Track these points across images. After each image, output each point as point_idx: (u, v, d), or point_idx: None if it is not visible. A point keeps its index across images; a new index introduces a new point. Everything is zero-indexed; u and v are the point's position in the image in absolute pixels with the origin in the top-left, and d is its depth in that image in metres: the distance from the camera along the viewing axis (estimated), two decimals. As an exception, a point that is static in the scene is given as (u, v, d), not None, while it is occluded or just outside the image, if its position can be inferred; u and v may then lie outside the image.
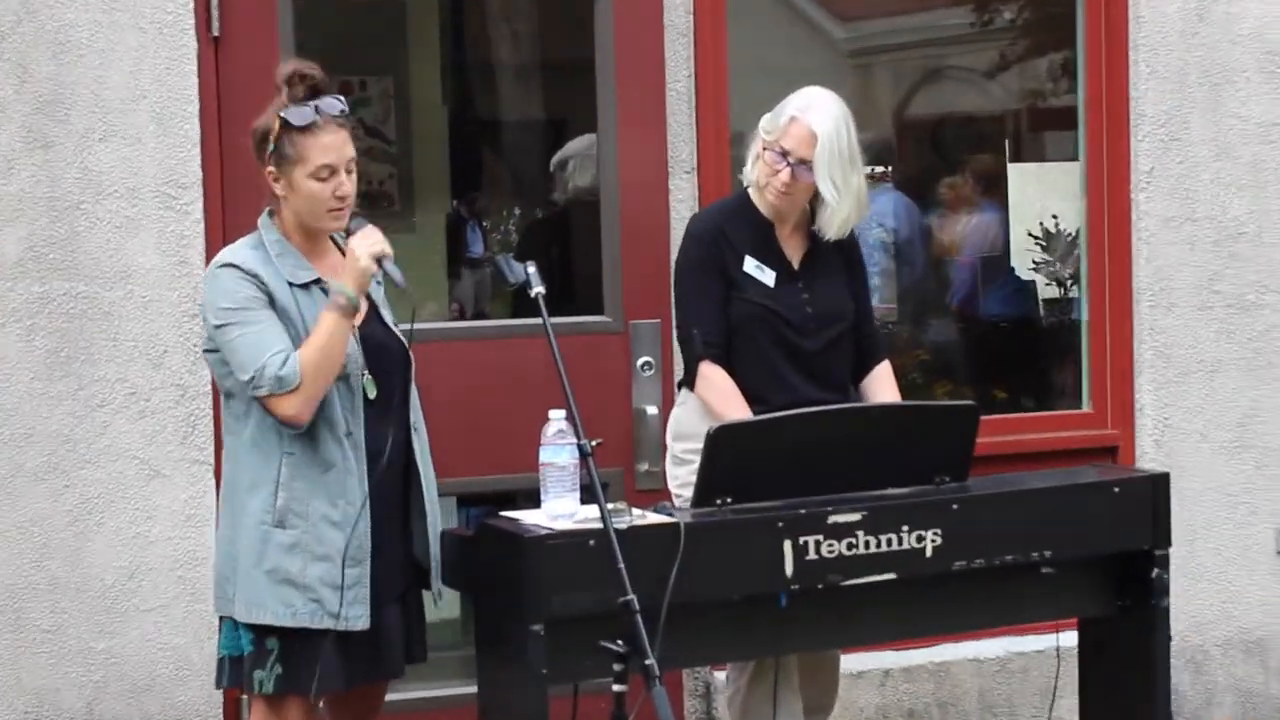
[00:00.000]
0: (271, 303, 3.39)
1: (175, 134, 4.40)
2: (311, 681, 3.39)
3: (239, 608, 3.41)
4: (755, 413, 4.00)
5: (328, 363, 3.35)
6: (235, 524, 3.44)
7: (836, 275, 4.24)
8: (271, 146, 3.43)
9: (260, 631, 3.41)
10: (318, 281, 3.46)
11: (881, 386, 4.27)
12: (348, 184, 3.44)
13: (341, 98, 3.48)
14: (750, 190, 4.21)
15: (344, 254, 3.55)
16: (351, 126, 3.49)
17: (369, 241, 3.40)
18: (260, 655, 3.41)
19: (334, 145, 3.42)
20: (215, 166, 4.44)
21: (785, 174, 4.07)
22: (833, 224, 4.14)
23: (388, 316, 3.61)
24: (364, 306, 3.54)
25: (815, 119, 4.06)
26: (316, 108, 3.41)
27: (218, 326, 3.40)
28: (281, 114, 3.41)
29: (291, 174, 3.42)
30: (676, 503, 4.00)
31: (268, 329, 3.37)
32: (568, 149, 5.69)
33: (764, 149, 4.11)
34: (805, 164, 4.05)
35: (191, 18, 4.41)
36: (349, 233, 3.43)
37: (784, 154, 4.06)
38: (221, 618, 3.51)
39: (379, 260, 3.40)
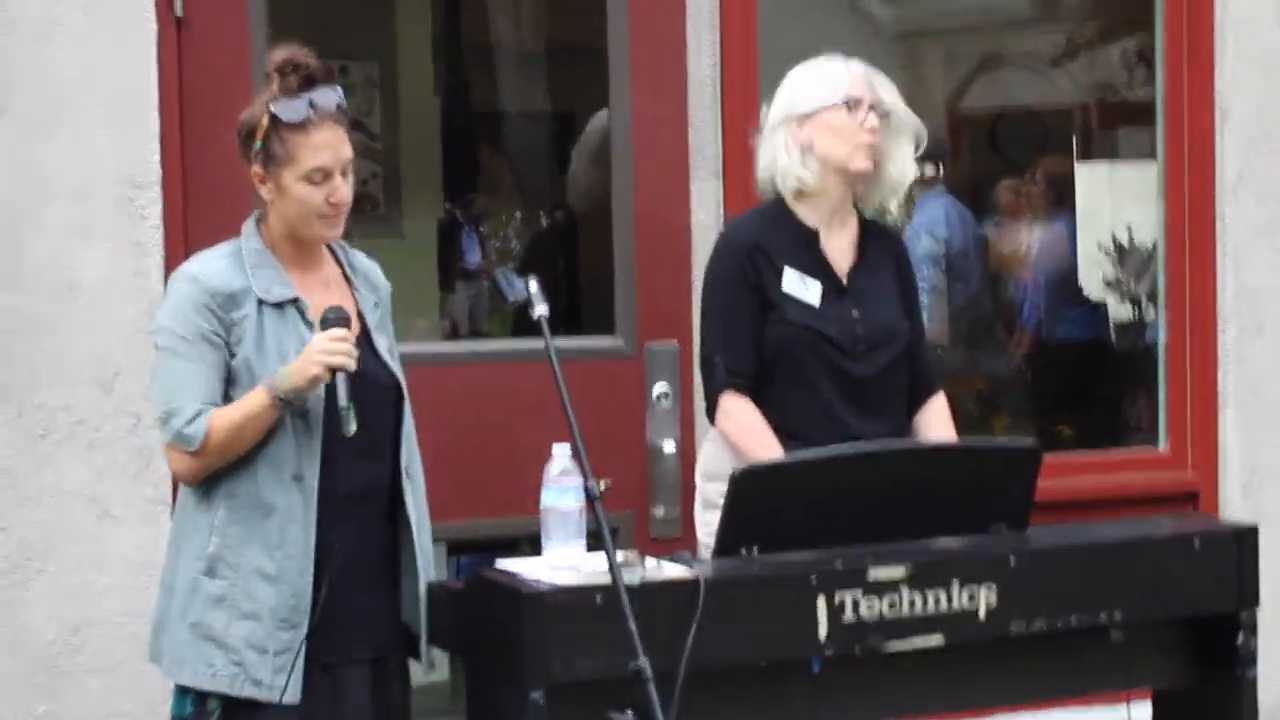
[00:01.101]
0: (228, 335, 3.41)
1: (132, 127, 4.41)
2: None
3: (165, 663, 3.46)
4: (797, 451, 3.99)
5: (237, 444, 3.40)
6: (175, 569, 3.47)
7: (888, 289, 4.25)
8: (259, 144, 3.45)
9: (199, 690, 3.43)
10: (295, 301, 3.47)
11: (933, 424, 4.27)
12: (343, 188, 3.46)
13: (338, 88, 3.51)
14: (786, 198, 4.22)
15: (340, 267, 3.58)
16: (349, 123, 3.51)
17: (332, 347, 3.36)
18: (200, 718, 3.43)
19: (329, 144, 3.44)
20: (177, 164, 4.46)
21: (874, 119, 4.13)
22: (908, 171, 4.23)
23: (381, 344, 3.61)
24: (355, 327, 3.54)
25: (858, 64, 4.19)
26: (311, 101, 3.43)
27: (156, 345, 3.46)
28: (271, 107, 3.43)
29: (280, 176, 3.44)
30: (705, 552, 4.00)
31: (197, 373, 3.41)
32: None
33: (829, 113, 4.11)
34: (875, 109, 4.14)
35: (151, -5, 4.43)
36: (325, 322, 3.41)
37: (858, 101, 4.12)
38: None
39: (334, 370, 3.38)
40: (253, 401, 3.38)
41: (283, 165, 3.43)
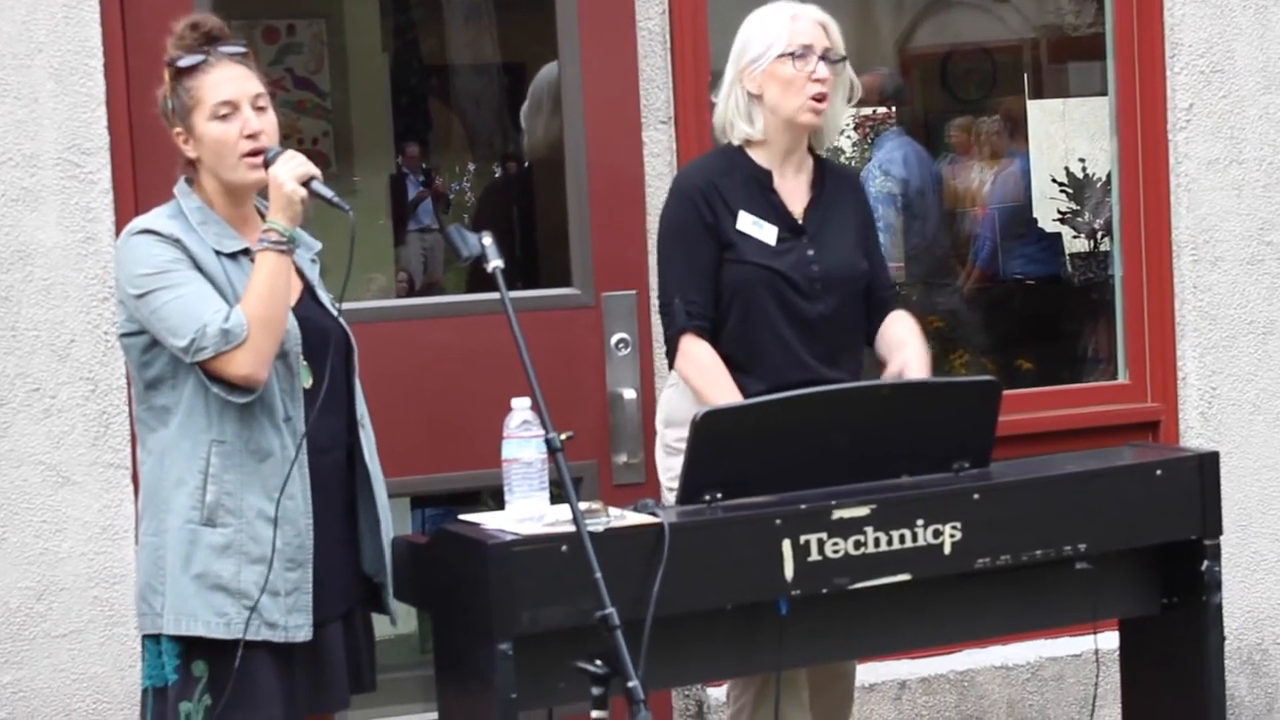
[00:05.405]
0: (197, 268, 3.41)
1: (77, 92, 4.37)
2: (245, 714, 3.39)
3: (168, 620, 3.42)
4: (757, 393, 3.99)
5: (274, 311, 3.38)
6: (161, 527, 3.45)
7: (845, 228, 4.25)
8: (170, 104, 3.48)
9: (186, 656, 3.42)
10: (246, 251, 3.47)
11: (897, 330, 4.25)
12: (255, 120, 3.46)
13: (243, 44, 3.54)
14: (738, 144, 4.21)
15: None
16: (256, 68, 3.53)
17: (291, 165, 3.43)
18: (186, 684, 3.41)
19: (229, 79, 3.47)
20: (124, 129, 4.42)
21: (825, 69, 4.11)
22: (839, 123, 4.26)
23: (324, 296, 3.61)
24: (298, 286, 3.53)
25: (811, 10, 4.16)
26: (207, 48, 3.47)
27: (140, 295, 3.41)
28: (168, 60, 3.47)
29: (193, 124, 3.47)
30: (669, 498, 3.99)
31: (200, 288, 3.39)
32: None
33: (777, 63, 4.09)
34: (826, 57, 4.12)
35: (92, -43, 4.39)
36: (266, 164, 3.45)
37: (807, 49, 4.10)
38: (145, 640, 3.50)
39: (306, 183, 3.42)
40: (263, 264, 3.39)
41: (192, 111, 3.46)
